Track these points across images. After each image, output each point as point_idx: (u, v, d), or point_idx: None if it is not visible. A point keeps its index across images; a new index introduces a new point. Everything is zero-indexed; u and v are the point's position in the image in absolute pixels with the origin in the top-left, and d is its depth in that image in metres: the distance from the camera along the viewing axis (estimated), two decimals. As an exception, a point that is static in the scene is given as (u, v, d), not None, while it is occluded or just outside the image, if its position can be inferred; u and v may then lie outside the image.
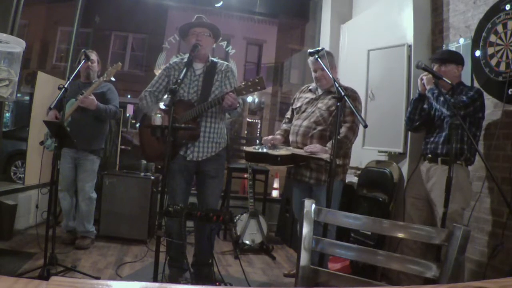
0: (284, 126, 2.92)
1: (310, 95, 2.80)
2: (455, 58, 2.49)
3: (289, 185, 4.09)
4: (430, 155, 2.48)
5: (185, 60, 2.59)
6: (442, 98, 2.30)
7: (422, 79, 2.48)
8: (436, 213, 2.39)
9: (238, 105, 2.43)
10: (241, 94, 2.37)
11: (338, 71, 2.87)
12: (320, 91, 2.75)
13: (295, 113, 2.86)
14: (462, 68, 2.50)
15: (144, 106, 2.65)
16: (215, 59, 2.68)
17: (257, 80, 2.33)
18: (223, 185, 2.86)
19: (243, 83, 2.39)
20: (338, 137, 2.50)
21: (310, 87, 2.85)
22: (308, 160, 2.55)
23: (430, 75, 2.39)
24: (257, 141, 3.19)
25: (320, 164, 2.57)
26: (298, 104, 2.83)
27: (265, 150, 2.61)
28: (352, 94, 2.64)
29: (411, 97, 3.03)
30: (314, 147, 2.52)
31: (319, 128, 2.61)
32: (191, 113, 2.46)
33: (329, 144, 2.51)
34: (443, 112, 2.36)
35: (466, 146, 2.35)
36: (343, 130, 2.57)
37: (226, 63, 2.70)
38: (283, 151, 2.58)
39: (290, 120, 2.91)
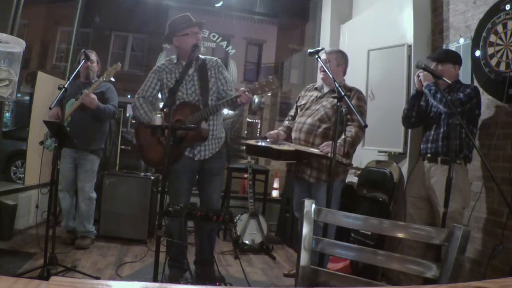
0: (286, 123, 2.90)
1: (315, 93, 2.80)
2: (452, 58, 2.49)
3: (289, 184, 4.09)
4: (429, 155, 2.48)
5: (175, 61, 2.58)
6: (439, 95, 2.30)
7: (418, 76, 2.48)
8: (437, 212, 2.39)
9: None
10: (256, 93, 2.38)
11: (345, 69, 2.83)
12: (325, 89, 2.76)
13: (299, 111, 2.84)
14: (459, 68, 2.51)
15: (142, 117, 2.51)
16: (201, 56, 2.65)
17: (271, 80, 2.34)
18: (224, 182, 2.88)
19: (257, 83, 2.40)
20: (349, 137, 2.49)
21: (315, 86, 2.86)
22: (311, 157, 2.53)
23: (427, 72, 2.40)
24: (258, 135, 3.13)
25: (321, 163, 2.56)
26: (303, 102, 2.82)
27: (267, 144, 2.58)
28: (357, 94, 2.67)
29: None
30: (329, 147, 2.40)
31: (324, 126, 2.61)
32: (201, 115, 2.41)
33: (340, 141, 2.45)
34: (440, 109, 2.36)
35: (465, 143, 2.35)
36: (353, 129, 2.56)
37: (214, 58, 2.67)
38: (286, 146, 2.56)
39: (293, 118, 2.89)
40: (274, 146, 2.51)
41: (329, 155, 2.35)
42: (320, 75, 2.76)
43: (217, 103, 2.45)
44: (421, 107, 2.58)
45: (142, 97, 2.57)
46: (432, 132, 2.49)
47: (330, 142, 2.44)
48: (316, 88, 2.84)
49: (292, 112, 2.95)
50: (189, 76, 2.55)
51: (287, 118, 2.95)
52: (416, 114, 2.58)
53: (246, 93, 2.34)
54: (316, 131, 2.62)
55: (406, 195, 2.65)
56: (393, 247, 2.85)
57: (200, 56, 2.62)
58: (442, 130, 2.43)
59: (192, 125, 2.41)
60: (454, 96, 2.32)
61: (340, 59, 2.77)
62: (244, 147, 2.80)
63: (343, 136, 2.47)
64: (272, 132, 2.77)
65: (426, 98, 2.49)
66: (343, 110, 2.36)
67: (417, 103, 2.56)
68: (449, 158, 2.25)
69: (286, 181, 4.44)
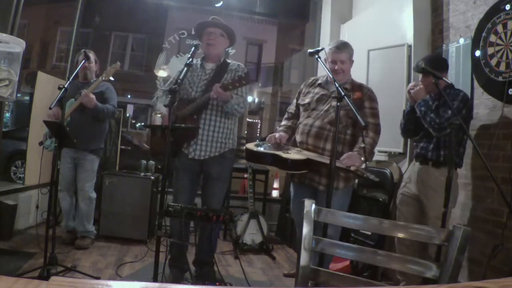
0: (287, 122, 2.63)
1: (320, 91, 2.52)
2: (438, 66, 2.42)
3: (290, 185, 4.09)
4: (421, 158, 2.50)
5: (199, 60, 2.65)
6: (428, 118, 2.33)
7: (409, 92, 2.47)
8: (425, 213, 2.42)
9: (231, 99, 2.44)
10: (227, 89, 2.37)
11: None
12: (332, 87, 2.47)
13: (302, 110, 2.57)
14: (446, 73, 2.50)
15: (154, 102, 2.71)
16: (228, 60, 2.69)
17: (242, 75, 2.37)
18: (226, 188, 2.76)
19: (230, 79, 2.43)
20: (367, 145, 2.25)
21: (319, 81, 2.57)
22: (322, 166, 2.26)
23: (418, 88, 2.42)
24: (258, 137, 3.00)
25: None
26: (307, 100, 2.54)
27: (273, 151, 2.34)
28: (369, 95, 2.45)
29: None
30: (352, 160, 2.18)
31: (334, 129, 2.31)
32: (188, 110, 2.48)
33: (357, 149, 2.29)
34: (431, 131, 2.37)
35: (455, 151, 2.36)
36: (370, 134, 2.35)
37: (238, 63, 2.70)
38: (294, 153, 2.30)
39: (293, 116, 2.64)
40: (282, 154, 2.25)
41: (351, 168, 2.10)
42: (332, 66, 2.44)
43: (198, 100, 2.48)
44: (417, 117, 2.51)
45: (163, 90, 2.78)
46: (424, 139, 2.50)
47: (351, 153, 2.25)
48: (320, 85, 2.55)
49: (291, 109, 2.67)
50: (205, 76, 2.61)
51: (286, 116, 2.68)
52: (414, 127, 2.56)
53: (216, 85, 2.35)
54: (327, 136, 2.36)
55: (398, 192, 2.66)
56: (393, 247, 2.85)
57: (227, 59, 2.68)
58: (434, 140, 2.43)
59: (190, 126, 2.43)
60: (442, 116, 2.30)
61: (352, 56, 2.51)
62: (244, 153, 2.50)
63: (362, 145, 2.23)
64: (274, 134, 2.49)
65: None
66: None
67: (413, 117, 2.51)
68: (442, 162, 2.34)
69: (286, 181, 4.44)
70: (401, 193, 2.62)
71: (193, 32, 2.71)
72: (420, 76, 2.52)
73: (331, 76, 2.14)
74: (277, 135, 2.48)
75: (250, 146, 2.47)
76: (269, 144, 2.45)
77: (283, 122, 2.66)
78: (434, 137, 2.41)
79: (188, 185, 2.59)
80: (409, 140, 3.08)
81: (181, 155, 2.55)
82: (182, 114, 2.48)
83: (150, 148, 2.82)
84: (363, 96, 2.42)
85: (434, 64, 2.44)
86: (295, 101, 2.68)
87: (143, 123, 11.00)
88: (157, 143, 2.63)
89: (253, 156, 2.44)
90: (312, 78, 2.68)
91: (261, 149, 2.41)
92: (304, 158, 2.24)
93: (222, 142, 2.58)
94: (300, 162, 2.24)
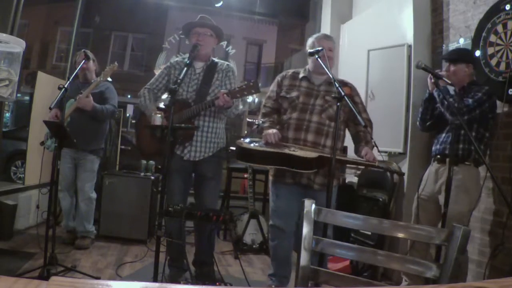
0: (269, 118, 2.46)
1: (307, 85, 2.45)
2: (465, 57, 2.46)
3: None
4: (439, 156, 2.46)
5: (186, 59, 2.59)
6: (446, 102, 2.28)
7: (431, 78, 2.45)
8: (444, 213, 2.38)
9: (233, 105, 2.43)
10: (235, 97, 2.35)
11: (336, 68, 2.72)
12: (316, 81, 2.43)
13: (286, 104, 2.43)
14: (472, 67, 2.47)
15: (142, 104, 2.63)
16: (216, 59, 2.69)
17: (251, 84, 2.31)
18: (220, 186, 2.75)
19: (237, 87, 2.39)
20: (373, 140, 2.27)
21: (302, 75, 2.48)
22: (328, 163, 2.11)
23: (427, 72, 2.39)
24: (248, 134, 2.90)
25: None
26: (294, 94, 2.42)
27: (280, 150, 2.21)
28: (356, 91, 2.51)
29: (411, 97, 3.03)
30: (372, 155, 2.21)
31: (334, 125, 2.20)
32: (186, 114, 2.46)
33: (362, 144, 2.34)
34: (447, 116, 2.35)
35: (474, 147, 2.32)
36: (368, 129, 2.35)
37: (227, 62, 2.71)
38: (300, 151, 2.20)
39: (273, 111, 2.49)
40: (292, 152, 2.17)
41: (376, 163, 2.14)
42: (328, 53, 2.31)
43: (198, 105, 2.45)
44: (436, 109, 2.51)
45: (148, 88, 2.68)
46: (444, 134, 2.46)
47: (368, 148, 2.28)
48: (305, 78, 2.46)
49: (270, 104, 2.51)
50: (195, 75, 2.59)
51: (264, 111, 2.51)
52: (431, 117, 2.54)
53: (224, 95, 2.31)
54: (327, 132, 2.32)
55: (416, 196, 2.58)
56: (393, 247, 2.85)
57: (214, 59, 2.66)
58: (452, 133, 2.41)
59: (190, 125, 2.43)
60: (462, 102, 2.27)
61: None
62: (236, 152, 2.36)
63: (373, 141, 2.26)
64: (272, 131, 2.32)
65: (436, 102, 2.44)
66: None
67: (431, 106, 2.50)
68: (455, 159, 2.25)
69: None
70: (419, 196, 2.54)
71: (177, 34, 2.70)
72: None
73: (331, 76, 2.11)
74: (273, 131, 2.32)
75: (243, 143, 2.34)
76: (261, 142, 2.33)
77: (264, 118, 2.49)
78: (451, 130, 2.37)
79: (182, 186, 2.59)
80: (409, 140, 3.07)
81: (174, 156, 2.54)
82: (180, 119, 2.46)
83: (139, 148, 2.76)
84: (352, 92, 2.41)
85: (462, 55, 2.46)
86: (273, 94, 2.53)
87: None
88: (147, 144, 2.63)
89: (247, 155, 2.34)
90: (292, 71, 2.57)
91: (253, 145, 2.32)
92: (316, 156, 2.15)
93: (215, 142, 2.58)
94: (313, 160, 2.14)
